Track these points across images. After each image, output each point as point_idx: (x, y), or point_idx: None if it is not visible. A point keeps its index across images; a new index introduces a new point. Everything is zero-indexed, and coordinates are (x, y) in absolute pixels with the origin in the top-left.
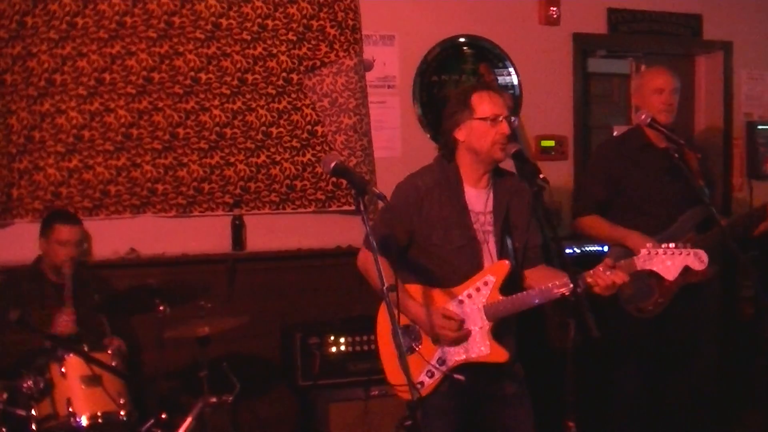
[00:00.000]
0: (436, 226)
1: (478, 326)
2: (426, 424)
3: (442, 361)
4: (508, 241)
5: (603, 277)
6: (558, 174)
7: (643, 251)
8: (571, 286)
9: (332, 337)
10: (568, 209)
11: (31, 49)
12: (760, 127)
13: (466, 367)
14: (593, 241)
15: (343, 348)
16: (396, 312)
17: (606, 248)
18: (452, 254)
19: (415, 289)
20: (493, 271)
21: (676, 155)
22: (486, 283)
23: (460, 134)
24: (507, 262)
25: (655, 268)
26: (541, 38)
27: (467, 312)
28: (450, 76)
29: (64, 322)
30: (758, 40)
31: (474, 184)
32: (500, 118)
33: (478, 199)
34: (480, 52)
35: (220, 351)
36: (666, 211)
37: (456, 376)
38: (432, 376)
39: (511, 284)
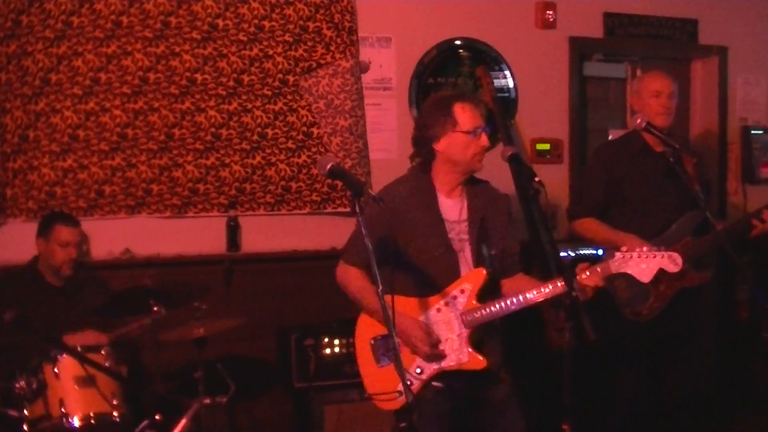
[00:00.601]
0: (413, 237)
1: (456, 334)
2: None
3: (420, 370)
4: (485, 249)
5: (576, 281)
6: (553, 177)
7: (618, 255)
8: (547, 291)
9: (327, 339)
10: (563, 213)
11: (27, 48)
12: (754, 132)
13: (448, 374)
14: (589, 244)
15: (338, 350)
16: (391, 314)
17: (601, 251)
18: (429, 264)
19: (393, 300)
20: (470, 279)
21: (672, 159)
22: (463, 291)
23: (439, 146)
24: (483, 270)
25: (629, 271)
26: (537, 41)
27: (445, 320)
28: (447, 78)
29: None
30: (754, 45)
31: (448, 193)
32: (480, 131)
33: (452, 208)
34: (477, 55)
35: (215, 352)
36: (663, 215)
37: (434, 383)
38: (411, 385)
39: (489, 292)
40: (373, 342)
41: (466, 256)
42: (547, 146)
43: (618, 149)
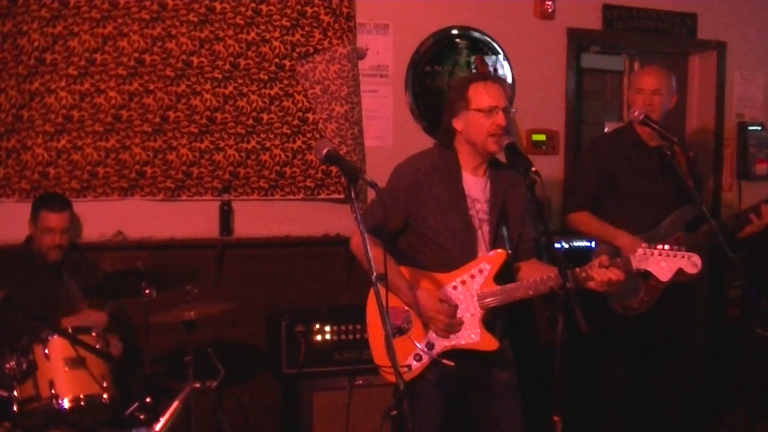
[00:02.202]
0: (434, 210)
1: (470, 313)
2: (413, 412)
3: (431, 346)
4: (504, 231)
5: (600, 274)
6: (548, 168)
7: (640, 251)
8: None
9: (318, 326)
10: (557, 204)
11: (22, 27)
12: (751, 128)
13: (455, 353)
14: (582, 237)
15: (328, 337)
16: (385, 302)
17: (593, 244)
18: (448, 239)
19: (409, 272)
20: (490, 259)
21: (669, 153)
22: (481, 271)
23: (458, 124)
24: (504, 251)
25: (650, 269)
26: (535, 32)
27: (460, 298)
28: (443, 67)
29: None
30: (752, 41)
31: (472, 171)
32: (496, 110)
33: (476, 186)
34: (474, 44)
35: (205, 336)
36: (656, 209)
37: (444, 361)
38: (420, 359)
39: (505, 275)
40: None
41: (483, 235)
42: (542, 137)
43: (611, 143)
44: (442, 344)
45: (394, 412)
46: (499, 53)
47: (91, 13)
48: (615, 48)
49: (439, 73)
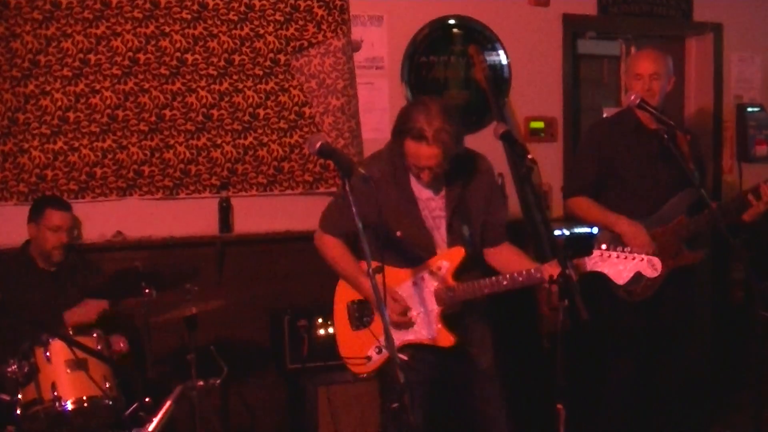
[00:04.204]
0: (387, 215)
1: (428, 309)
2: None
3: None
4: (464, 226)
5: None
6: (547, 156)
7: (596, 252)
8: (521, 279)
9: (321, 320)
10: (557, 191)
11: (15, 30)
12: (750, 109)
13: (418, 347)
14: (582, 223)
15: (331, 330)
16: (383, 292)
17: (595, 230)
18: (403, 242)
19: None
20: (448, 256)
21: (666, 137)
22: (440, 268)
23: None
24: (462, 249)
25: (605, 271)
26: (530, 19)
27: (420, 295)
28: (439, 57)
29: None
30: (749, 22)
31: None
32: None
33: (426, 186)
34: (469, 33)
35: (208, 334)
36: (657, 194)
37: (399, 355)
38: (380, 352)
39: (471, 265)
40: (349, 306)
41: (441, 234)
42: (540, 124)
43: (611, 127)
44: (400, 338)
45: (395, 405)
46: (495, 42)
47: (84, 13)
48: (611, 33)
49: (435, 64)
